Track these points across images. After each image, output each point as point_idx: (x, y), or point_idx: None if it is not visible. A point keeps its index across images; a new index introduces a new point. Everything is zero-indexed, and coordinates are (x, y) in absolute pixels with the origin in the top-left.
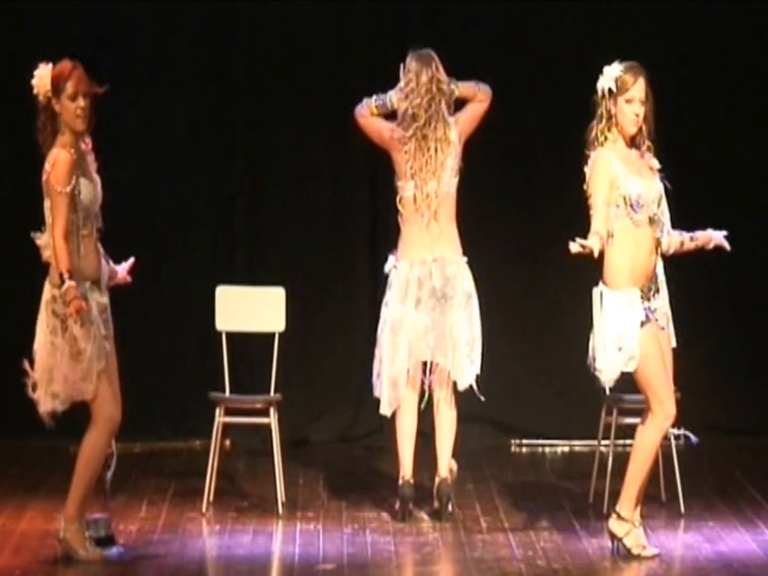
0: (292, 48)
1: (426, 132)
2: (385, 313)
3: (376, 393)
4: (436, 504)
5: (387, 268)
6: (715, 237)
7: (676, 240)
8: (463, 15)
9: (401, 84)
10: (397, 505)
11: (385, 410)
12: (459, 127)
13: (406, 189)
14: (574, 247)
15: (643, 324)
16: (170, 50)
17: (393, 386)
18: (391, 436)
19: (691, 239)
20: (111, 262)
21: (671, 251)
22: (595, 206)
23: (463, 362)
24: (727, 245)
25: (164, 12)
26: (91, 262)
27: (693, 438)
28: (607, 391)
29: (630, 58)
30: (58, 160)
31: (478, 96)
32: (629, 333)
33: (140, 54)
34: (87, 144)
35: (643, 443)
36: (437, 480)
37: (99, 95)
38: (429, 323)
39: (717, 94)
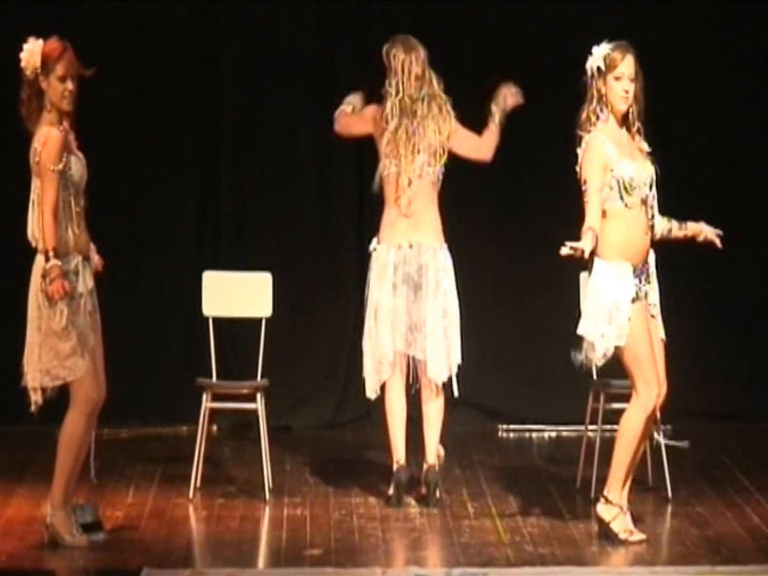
0: (278, 38)
1: (415, 108)
2: (366, 294)
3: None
4: (423, 490)
5: (370, 249)
6: (706, 231)
7: (663, 225)
8: (450, 12)
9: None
10: (392, 490)
11: (370, 393)
12: (454, 136)
13: (384, 168)
14: (565, 250)
15: (633, 300)
16: (157, 39)
17: (377, 370)
18: (381, 422)
19: (680, 228)
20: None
21: (657, 237)
22: (590, 195)
23: (438, 355)
24: (718, 243)
25: (152, 6)
26: (83, 238)
27: (683, 444)
28: (594, 375)
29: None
30: (49, 138)
31: (485, 149)
32: (620, 306)
33: (124, 46)
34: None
35: (627, 425)
36: (425, 467)
37: (85, 77)
38: (403, 311)
39: (710, 84)
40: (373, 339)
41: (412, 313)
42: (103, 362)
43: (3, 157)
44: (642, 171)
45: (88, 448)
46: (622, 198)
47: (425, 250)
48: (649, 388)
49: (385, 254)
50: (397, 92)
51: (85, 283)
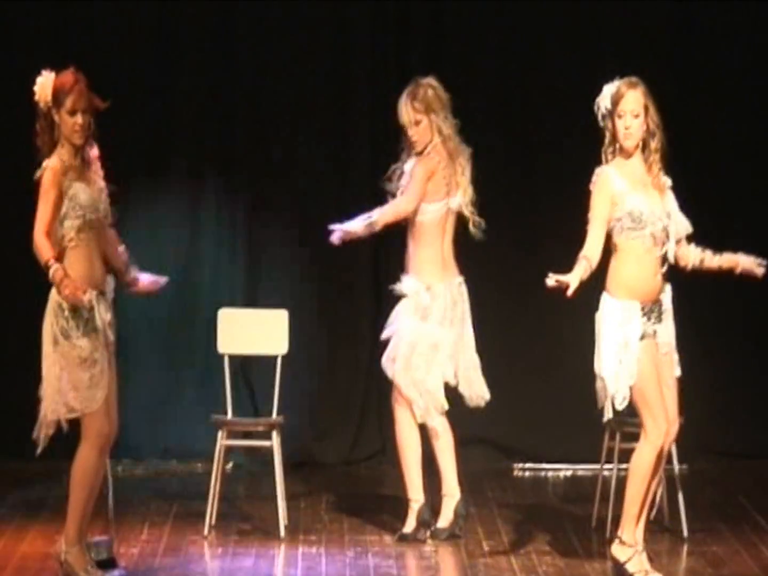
0: (293, 66)
1: (450, 148)
2: (418, 328)
3: (389, 374)
4: (443, 523)
5: (410, 288)
6: (743, 263)
7: (695, 255)
8: (465, 20)
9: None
10: (410, 528)
11: (422, 418)
12: None
13: (433, 210)
14: (550, 282)
15: (641, 338)
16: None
17: (431, 397)
18: (395, 458)
19: (713, 259)
20: (134, 269)
21: (690, 267)
22: (592, 224)
23: (478, 381)
24: (759, 273)
25: (168, 23)
26: (96, 268)
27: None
28: (610, 414)
29: (631, 61)
30: (48, 165)
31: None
32: (629, 345)
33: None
34: (91, 151)
35: (638, 463)
36: (450, 500)
37: (100, 110)
38: (452, 345)
39: (722, 101)
40: (425, 370)
41: (457, 347)
42: (116, 397)
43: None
44: (654, 206)
45: (102, 484)
46: (630, 232)
47: (459, 284)
48: (657, 426)
49: (440, 291)
50: (443, 137)
51: (101, 317)
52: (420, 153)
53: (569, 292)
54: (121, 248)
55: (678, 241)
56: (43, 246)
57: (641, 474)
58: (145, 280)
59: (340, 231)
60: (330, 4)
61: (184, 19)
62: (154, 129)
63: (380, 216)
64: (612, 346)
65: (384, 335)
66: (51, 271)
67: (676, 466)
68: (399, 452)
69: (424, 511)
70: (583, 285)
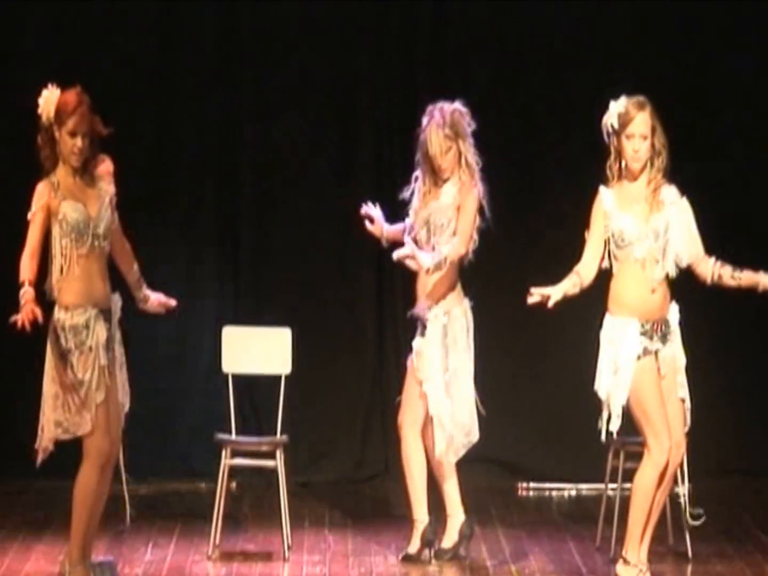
0: (298, 79)
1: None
2: (462, 358)
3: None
4: (447, 543)
5: (434, 314)
6: (764, 281)
7: (714, 271)
8: (470, 18)
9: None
10: (414, 548)
11: (453, 457)
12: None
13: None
14: (532, 299)
15: (639, 357)
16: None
17: (466, 433)
18: (399, 477)
19: (733, 276)
20: (146, 287)
21: (709, 281)
22: (588, 241)
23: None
24: None
25: (170, 29)
26: (96, 286)
27: (697, 520)
28: (614, 434)
29: (632, 62)
30: (37, 187)
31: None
32: (623, 364)
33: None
34: (102, 165)
35: (641, 482)
36: (460, 521)
37: (102, 135)
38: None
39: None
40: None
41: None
42: (119, 416)
43: None
44: (640, 226)
45: (104, 502)
46: (619, 251)
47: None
48: (659, 443)
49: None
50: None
51: (96, 337)
52: (448, 178)
53: (549, 304)
54: (135, 266)
55: (693, 260)
56: (23, 267)
57: (644, 493)
58: (155, 299)
59: (407, 252)
60: (333, 5)
61: (186, 44)
62: (152, 142)
63: (449, 254)
64: (606, 363)
65: (424, 374)
66: (21, 291)
67: (681, 487)
68: (405, 472)
69: (428, 531)
70: (574, 300)
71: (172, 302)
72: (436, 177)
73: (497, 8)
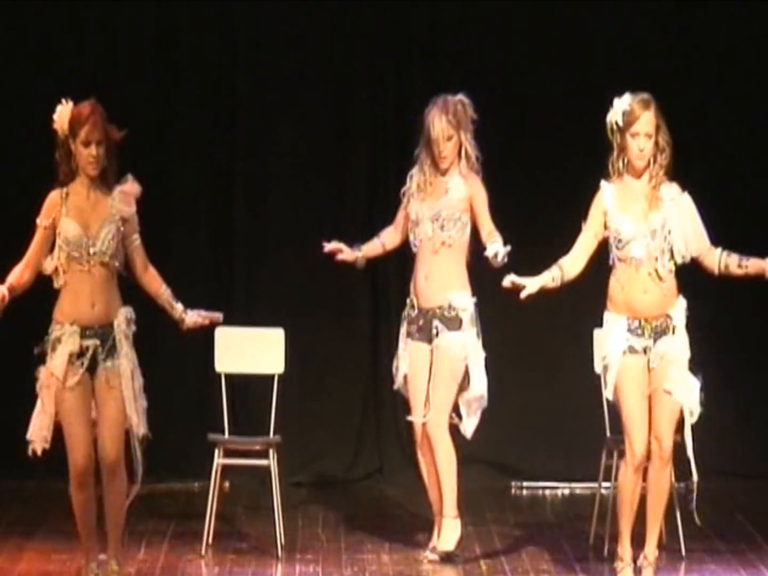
0: (294, 78)
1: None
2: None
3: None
4: (439, 544)
5: (468, 303)
6: None
7: (721, 261)
8: (467, 19)
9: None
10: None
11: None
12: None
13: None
14: (506, 282)
15: (625, 353)
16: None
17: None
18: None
19: (740, 264)
20: (180, 308)
21: (717, 272)
22: (581, 236)
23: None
24: None
25: (166, 33)
26: (81, 306)
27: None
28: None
29: (633, 63)
30: (50, 194)
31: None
32: (610, 358)
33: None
34: (127, 186)
35: (619, 479)
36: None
37: (116, 141)
38: None
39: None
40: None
41: None
42: (110, 430)
43: None
44: (637, 226)
45: (92, 511)
46: (617, 250)
47: None
48: (630, 442)
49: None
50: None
51: (61, 356)
52: (447, 169)
53: (522, 295)
54: (163, 288)
55: (699, 253)
56: (12, 272)
57: (623, 491)
58: (192, 319)
59: (502, 255)
60: (329, 6)
61: (184, 41)
62: (150, 139)
63: (506, 247)
64: (597, 360)
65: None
66: None
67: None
68: (443, 471)
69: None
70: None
71: (216, 316)
72: (435, 168)
73: (496, 9)
